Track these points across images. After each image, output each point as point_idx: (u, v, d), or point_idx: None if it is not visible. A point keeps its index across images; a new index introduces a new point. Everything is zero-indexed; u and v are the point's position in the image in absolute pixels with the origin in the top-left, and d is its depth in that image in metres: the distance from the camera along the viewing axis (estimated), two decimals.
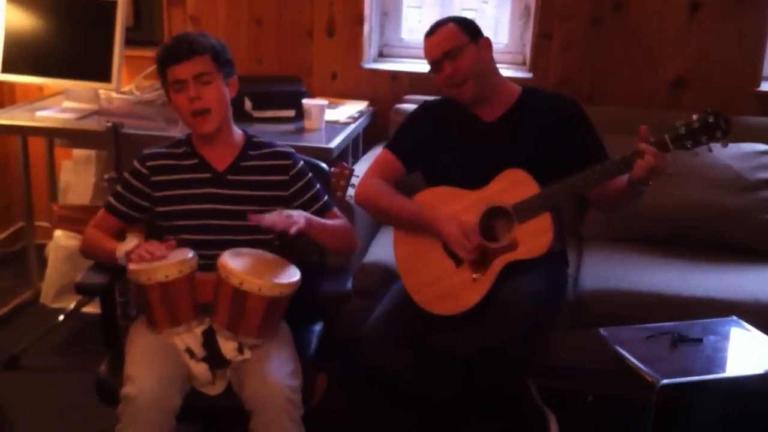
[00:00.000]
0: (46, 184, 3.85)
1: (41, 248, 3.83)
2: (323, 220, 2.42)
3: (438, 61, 2.63)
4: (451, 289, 2.60)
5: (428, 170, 2.77)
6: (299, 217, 2.29)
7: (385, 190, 2.72)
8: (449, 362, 2.73)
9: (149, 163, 2.42)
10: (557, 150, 2.61)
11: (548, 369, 2.89)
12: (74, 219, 3.45)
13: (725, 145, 2.36)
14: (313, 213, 2.43)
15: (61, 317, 3.47)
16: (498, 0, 3.90)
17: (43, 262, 3.75)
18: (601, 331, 2.51)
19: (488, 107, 2.69)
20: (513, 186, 2.55)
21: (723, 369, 2.34)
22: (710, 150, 2.38)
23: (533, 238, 2.51)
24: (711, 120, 2.33)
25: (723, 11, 3.47)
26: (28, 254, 3.77)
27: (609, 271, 2.99)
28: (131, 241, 2.31)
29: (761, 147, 3.27)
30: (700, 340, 2.45)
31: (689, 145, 2.35)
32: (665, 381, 2.23)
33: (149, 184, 2.41)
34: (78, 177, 3.88)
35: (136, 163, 2.44)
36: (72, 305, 3.47)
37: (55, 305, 3.60)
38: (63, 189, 3.93)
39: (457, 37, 2.62)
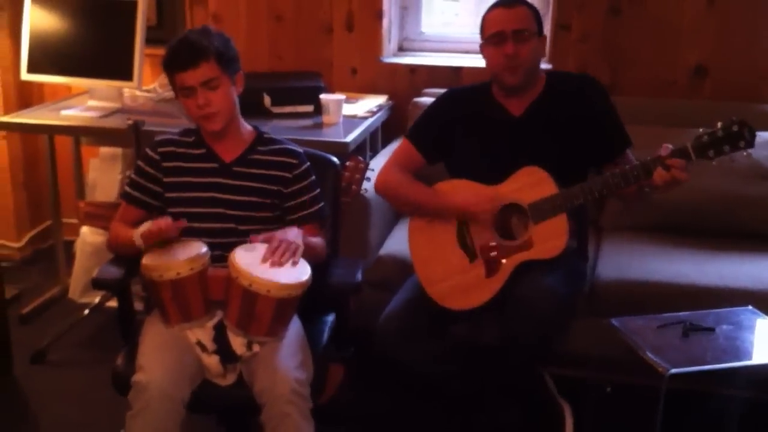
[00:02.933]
0: (73, 181, 3.94)
1: (70, 245, 3.91)
2: (309, 240, 2.41)
3: (504, 36, 2.55)
4: (464, 284, 2.60)
5: (450, 161, 2.76)
6: (298, 238, 2.32)
7: (405, 178, 2.71)
8: (468, 355, 2.74)
9: (160, 149, 2.48)
10: (582, 137, 2.59)
11: (564, 358, 2.89)
12: (100, 215, 3.52)
13: (749, 156, 2.34)
14: (300, 217, 2.46)
15: (86, 312, 3.55)
16: None
17: (71, 259, 3.83)
18: (613, 321, 2.51)
19: (517, 100, 2.66)
20: (531, 184, 2.53)
21: (734, 358, 2.32)
22: (732, 161, 2.34)
23: (548, 239, 2.50)
24: (735, 129, 2.29)
25: None
26: (57, 251, 3.86)
27: (625, 261, 2.98)
28: (146, 224, 2.33)
29: None
30: (713, 330, 2.44)
31: (711, 155, 2.31)
32: (674, 370, 2.23)
33: (161, 170, 2.46)
34: (104, 174, 3.95)
35: (148, 150, 2.50)
36: (97, 300, 3.54)
37: (83, 300, 3.66)
38: (90, 186, 4.01)
39: (531, 23, 2.58)
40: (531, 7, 2.62)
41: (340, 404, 2.80)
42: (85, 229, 3.66)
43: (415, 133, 2.78)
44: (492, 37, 2.58)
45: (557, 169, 2.52)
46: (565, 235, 2.48)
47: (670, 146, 2.36)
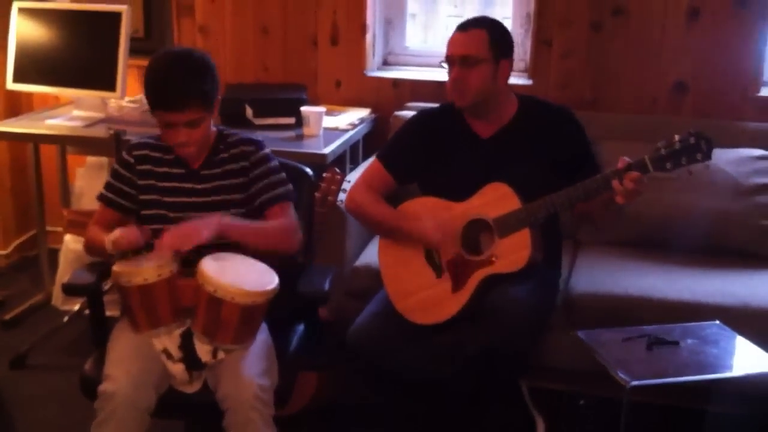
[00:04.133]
0: (59, 190, 3.98)
1: (56, 253, 3.93)
2: (250, 224, 2.41)
3: (452, 60, 2.61)
4: (431, 299, 2.64)
5: (421, 182, 2.80)
6: (201, 229, 2.28)
7: (372, 200, 2.75)
8: (453, 359, 2.76)
9: (135, 153, 2.50)
10: (551, 164, 2.62)
11: (538, 370, 2.91)
12: (83, 223, 3.51)
13: (707, 168, 2.35)
14: (263, 202, 2.46)
15: (66, 319, 3.58)
16: (500, 8, 3.93)
17: (56, 266, 3.86)
18: (579, 333, 2.52)
19: (485, 122, 2.70)
20: (496, 200, 2.56)
21: (697, 372, 2.33)
22: (690, 173, 2.35)
23: (512, 252, 2.53)
24: (692, 141, 2.31)
25: (723, 16, 3.46)
26: (41, 258, 3.89)
27: (599, 275, 3.00)
28: (117, 232, 2.35)
29: (758, 152, 3.26)
30: (677, 343, 2.45)
31: (669, 167, 2.34)
32: (635, 382, 2.24)
33: (135, 173, 2.48)
34: (91, 183, 3.98)
35: (123, 153, 2.52)
36: (77, 307, 3.57)
37: (65, 307, 3.69)
38: (77, 194, 4.05)
39: (482, 49, 2.59)
40: (492, 30, 2.63)
41: (319, 411, 2.84)
42: (68, 237, 3.69)
43: (385, 155, 2.82)
44: (446, 59, 2.64)
45: (523, 188, 2.55)
46: (527, 248, 2.50)
47: (627, 159, 2.38)
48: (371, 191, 2.77)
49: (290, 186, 2.52)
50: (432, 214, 2.65)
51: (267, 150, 2.52)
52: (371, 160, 2.92)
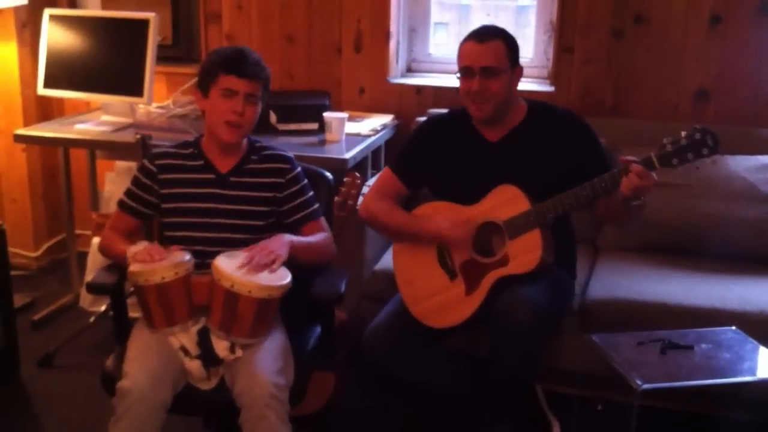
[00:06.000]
0: (88, 194, 4.06)
1: (84, 255, 4.01)
2: (307, 240, 2.51)
3: (472, 72, 2.62)
4: (445, 303, 2.67)
5: (432, 187, 2.83)
6: (281, 247, 2.39)
7: (386, 206, 2.79)
8: (460, 364, 2.79)
9: (157, 162, 2.56)
10: (560, 168, 2.64)
11: (554, 373, 2.94)
12: None
13: (713, 162, 2.36)
14: (298, 219, 2.55)
15: (92, 319, 3.65)
16: (522, 14, 3.96)
17: (84, 269, 3.93)
18: (593, 336, 2.54)
19: (494, 128, 2.72)
20: (506, 202, 2.59)
21: (709, 376, 2.33)
22: (697, 168, 2.37)
23: (523, 254, 2.55)
24: (698, 137, 2.33)
25: (744, 23, 3.47)
26: (70, 260, 3.97)
27: (616, 281, 3.01)
28: (141, 244, 2.44)
29: None
30: (692, 348, 2.46)
31: (675, 163, 2.36)
32: (647, 386, 2.25)
33: (157, 182, 2.54)
34: (119, 187, 4.03)
35: (145, 162, 2.58)
36: (103, 308, 3.65)
37: (92, 308, 3.76)
38: (106, 198, 4.12)
39: (502, 59, 2.61)
40: (507, 38, 2.65)
41: (339, 411, 2.89)
42: (96, 240, 3.77)
43: (396, 163, 2.86)
44: (461, 69, 2.65)
45: (533, 192, 2.57)
46: (538, 249, 2.53)
47: (630, 157, 2.41)
48: (384, 199, 2.80)
49: (318, 205, 2.61)
50: (443, 217, 2.69)
51: (299, 168, 2.60)
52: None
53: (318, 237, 2.56)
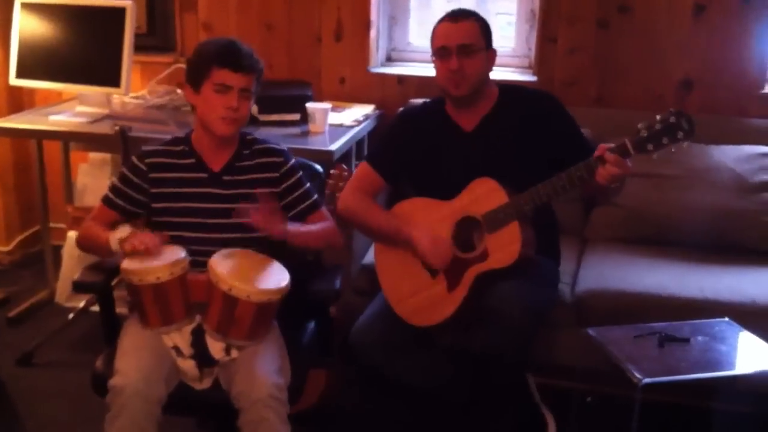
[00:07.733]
0: (62, 186, 3.96)
1: (59, 249, 3.92)
2: (306, 228, 2.47)
3: (449, 51, 2.59)
4: (428, 300, 2.62)
5: (411, 179, 2.78)
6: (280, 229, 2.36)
7: (363, 204, 2.72)
8: (455, 363, 2.76)
9: (147, 160, 2.48)
10: (537, 150, 2.61)
11: (547, 367, 2.92)
12: None
13: (687, 146, 2.30)
14: (300, 211, 2.50)
15: (71, 316, 3.57)
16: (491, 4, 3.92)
17: (59, 263, 3.85)
18: (590, 330, 2.53)
19: (468, 113, 2.68)
20: (484, 195, 2.54)
21: (709, 369, 2.34)
22: (673, 151, 2.31)
23: (502, 247, 2.50)
24: (672, 120, 2.26)
25: (727, 12, 3.46)
26: (45, 255, 3.88)
27: (606, 272, 3.00)
28: (124, 230, 2.36)
29: (764, 149, 3.26)
30: (687, 340, 2.46)
31: (650, 149, 2.29)
32: (648, 380, 2.25)
33: (147, 181, 2.47)
34: (94, 179, 3.98)
35: (134, 159, 2.50)
36: (82, 304, 3.56)
37: (69, 304, 3.70)
38: (80, 191, 4.04)
39: (477, 38, 2.60)
40: (480, 20, 2.65)
41: (330, 409, 2.85)
42: (71, 234, 3.68)
43: (373, 157, 2.81)
44: (438, 50, 2.62)
45: (513, 180, 2.53)
46: (517, 242, 2.46)
47: (606, 144, 2.36)
48: (363, 195, 2.73)
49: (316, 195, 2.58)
50: (423, 215, 2.63)
51: (293, 160, 2.55)
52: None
53: (320, 225, 2.51)
